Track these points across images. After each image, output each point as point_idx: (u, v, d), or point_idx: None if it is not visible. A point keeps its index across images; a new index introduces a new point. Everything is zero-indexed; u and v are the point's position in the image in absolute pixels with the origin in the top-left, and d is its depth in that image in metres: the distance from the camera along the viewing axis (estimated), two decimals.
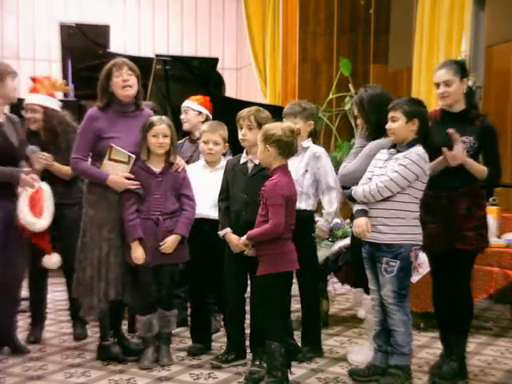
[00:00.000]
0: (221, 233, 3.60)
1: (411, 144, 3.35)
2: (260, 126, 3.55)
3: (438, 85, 3.49)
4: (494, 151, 3.50)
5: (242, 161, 3.65)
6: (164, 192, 3.64)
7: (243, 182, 3.59)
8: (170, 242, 3.58)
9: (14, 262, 3.78)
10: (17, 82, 3.83)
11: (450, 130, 3.32)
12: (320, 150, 3.88)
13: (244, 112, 3.63)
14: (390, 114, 3.37)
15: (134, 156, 3.60)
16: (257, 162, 3.58)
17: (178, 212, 3.65)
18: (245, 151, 3.67)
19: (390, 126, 3.37)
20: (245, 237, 3.34)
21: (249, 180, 3.58)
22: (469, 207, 3.41)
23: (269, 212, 3.25)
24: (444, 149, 3.30)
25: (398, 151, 3.36)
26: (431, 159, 3.46)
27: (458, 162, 3.31)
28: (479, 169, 3.40)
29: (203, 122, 4.46)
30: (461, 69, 3.48)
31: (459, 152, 3.29)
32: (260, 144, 3.34)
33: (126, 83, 3.62)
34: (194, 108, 4.56)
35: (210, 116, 4.65)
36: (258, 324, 3.43)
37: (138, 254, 3.55)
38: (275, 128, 3.33)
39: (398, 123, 3.34)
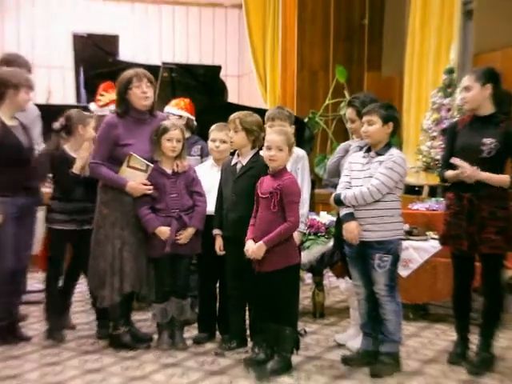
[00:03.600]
0: (214, 232, 3.68)
1: (388, 147, 3.39)
2: (245, 129, 3.59)
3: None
4: None
5: (232, 162, 3.69)
6: (179, 191, 3.69)
7: (232, 183, 3.63)
8: (187, 233, 3.65)
9: (22, 252, 3.90)
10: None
11: (453, 160, 3.32)
12: (302, 152, 3.88)
13: (232, 116, 3.66)
14: (366, 118, 3.38)
15: (152, 165, 3.63)
16: (244, 163, 3.62)
17: (192, 207, 3.72)
18: (236, 153, 3.71)
19: (366, 128, 3.38)
20: (260, 247, 3.27)
21: (236, 180, 3.61)
22: (492, 210, 3.32)
23: (287, 209, 3.26)
24: (457, 162, 3.31)
25: (378, 154, 3.37)
26: (449, 162, 3.46)
27: (472, 180, 3.29)
28: (499, 180, 3.32)
29: (186, 125, 4.47)
30: (484, 75, 3.37)
31: (470, 174, 3.27)
32: (285, 147, 3.31)
33: (145, 95, 3.65)
34: (174, 113, 4.57)
35: (192, 117, 4.66)
36: (269, 313, 3.38)
37: (166, 234, 3.60)
38: (289, 131, 3.46)
39: (374, 126, 3.35)
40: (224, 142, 3.87)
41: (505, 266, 3.57)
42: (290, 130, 3.60)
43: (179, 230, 3.65)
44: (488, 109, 3.42)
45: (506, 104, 3.46)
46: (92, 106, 4.76)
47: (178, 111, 4.59)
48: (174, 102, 4.73)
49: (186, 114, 4.61)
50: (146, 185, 3.63)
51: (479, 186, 3.34)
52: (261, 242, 3.26)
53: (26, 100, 3.92)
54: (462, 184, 3.40)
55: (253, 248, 3.28)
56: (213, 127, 3.99)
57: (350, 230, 3.36)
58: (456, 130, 3.55)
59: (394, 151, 3.37)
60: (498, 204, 3.35)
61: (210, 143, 3.96)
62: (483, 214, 3.34)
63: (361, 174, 3.39)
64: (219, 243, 3.69)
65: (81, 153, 3.86)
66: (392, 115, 3.39)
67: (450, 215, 3.49)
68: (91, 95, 6.78)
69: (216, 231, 3.69)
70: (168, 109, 4.64)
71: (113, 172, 3.64)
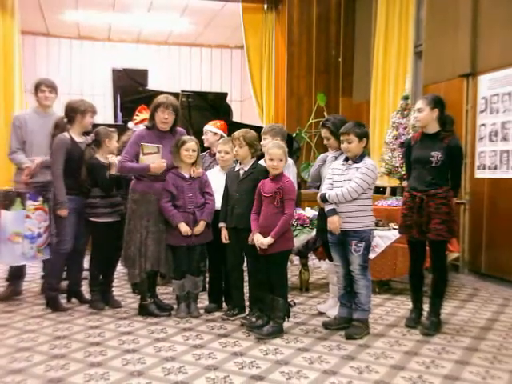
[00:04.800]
0: (219, 225, 3.60)
1: (362, 156, 3.34)
2: (248, 144, 3.51)
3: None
4: (459, 166, 3.43)
5: (236, 169, 3.63)
6: (194, 191, 3.64)
7: (236, 185, 3.56)
8: (200, 226, 3.61)
9: (81, 239, 3.95)
10: None
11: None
12: (290, 160, 3.79)
13: (236, 134, 3.58)
14: (345, 137, 3.31)
15: (160, 145, 3.57)
16: (246, 169, 3.56)
17: (204, 204, 3.67)
18: (238, 162, 3.64)
19: (346, 146, 3.31)
20: (267, 239, 3.22)
21: (240, 182, 3.55)
22: (437, 206, 3.31)
23: (285, 204, 3.22)
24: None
25: (355, 162, 3.33)
26: (411, 169, 3.47)
27: None
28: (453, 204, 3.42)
29: (219, 140, 4.44)
30: (433, 101, 3.37)
31: None
32: (284, 157, 3.29)
33: (165, 120, 3.60)
34: (211, 130, 4.49)
35: (225, 135, 4.60)
36: (266, 287, 3.35)
37: (186, 229, 3.56)
38: (283, 145, 3.36)
39: (353, 144, 3.29)
40: (227, 153, 3.82)
41: (448, 249, 3.58)
42: (280, 142, 3.47)
43: (194, 223, 3.61)
44: (435, 128, 3.41)
45: (449, 124, 3.44)
46: (130, 123, 4.77)
47: (214, 129, 4.51)
48: (212, 122, 4.61)
49: (220, 132, 4.51)
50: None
51: (428, 188, 3.35)
52: (269, 238, 3.22)
53: (91, 122, 3.96)
54: (415, 185, 3.41)
55: (263, 241, 3.24)
56: (219, 142, 3.94)
57: (333, 222, 3.32)
58: (410, 145, 3.53)
59: (367, 160, 3.33)
60: (442, 202, 3.34)
61: (216, 154, 3.89)
62: (431, 209, 3.34)
63: (341, 177, 3.35)
64: (224, 234, 3.60)
65: (111, 161, 3.88)
66: (365, 132, 3.34)
67: (406, 210, 3.48)
68: (126, 116, 6.76)
69: (221, 224, 3.60)
70: (207, 127, 4.54)
71: (136, 163, 3.60)
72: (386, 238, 4.33)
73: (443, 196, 3.33)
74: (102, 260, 3.92)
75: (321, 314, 3.78)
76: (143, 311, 3.71)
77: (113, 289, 4.06)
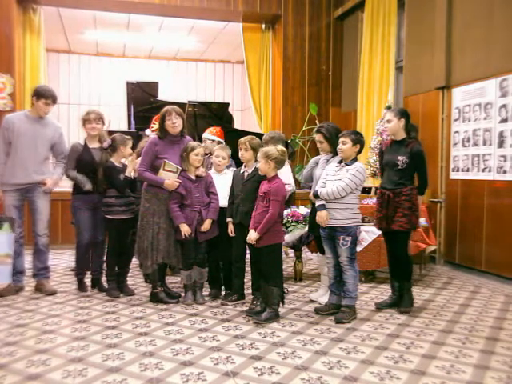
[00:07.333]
0: (227, 220, 3.61)
1: (354, 160, 3.36)
2: (252, 148, 3.51)
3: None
4: (422, 168, 3.48)
5: (241, 171, 3.63)
6: (201, 192, 3.64)
7: (241, 185, 3.56)
8: (207, 224, 3.60)
9: (99, 230, 3.98)
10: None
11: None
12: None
13: (242, 139, 3.61)
14: (341, 139, 3.36)
15: (180, 168, 3.59)
16: (250, 171, 3.55)
17: (209, 203, 3.65)
18: (243, 165, 3.65)
19: (341, 147, 3.36)
20: (254, 234, 3.22)
21: (244, 183, 3.55)
22: (400, 201, 3.43)
23: (270, 204, 3.21)
24: None
25: (346, 164, 3.35)
26: (383, 171, 3.58)
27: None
28: (420, 202, 3.54)
29: None
30: (399, 112, 3.51)
31: None
32: (262, 160, 3.27)
33: (174, 124, 3.60)
34: (209, 138, 4.47)
35: (222, 140, 4.58)
36: (264, 276, 3.33)
37: (186, 229, 3.55)
38: (273, 150, 3.30)
39: (346, 146, 3.33)
40: (224, 158, 3.83)
41: (409, 240, 3.63)
42: (272, 148, 3.35)
43: (201, 220, 3.60)
44: (401, 135, 3.52)
45: (414, 132, 3.56)
46: (147, 131, 4.76)
47: (212, 136, 4.49)
48: (209, 129, 4.57)
49: (217, 139, 4.50)
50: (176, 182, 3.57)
51: (394, 186, 3.46)
52: (255, 233, 3.23)
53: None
54: (384, 184, 3.54)
55: (250, 235, 3.27)
56: (216, 147, 3.94)
57: (321, 216, 3.34)
58: (382, 151, 3.66)
59: (357, 164, 3.35)
60: (405, 198, 3.44)
61: (213, 158, 3.88)
62: (395, 204, 3.44)
63: (333, 177, 3.37)
64: (231, 228, 3.59)
65: (129, 164, 3.88)
66: (359, 139, 3.36)
67: (377, 205, 3.59)
68: (138, 124, 6.75)
69: (229, 219, 3.60)
70: (205, 134, 4.52)
71: (154, 175, 3.59)
72: (371, 232, 4.33)
73: (407, 194, 3.43)
74: (116, 252, 3.91)
75: (313, 301, 3.78)
76: (154, 298, 3.71)
77: (127, 278, 4.06)
